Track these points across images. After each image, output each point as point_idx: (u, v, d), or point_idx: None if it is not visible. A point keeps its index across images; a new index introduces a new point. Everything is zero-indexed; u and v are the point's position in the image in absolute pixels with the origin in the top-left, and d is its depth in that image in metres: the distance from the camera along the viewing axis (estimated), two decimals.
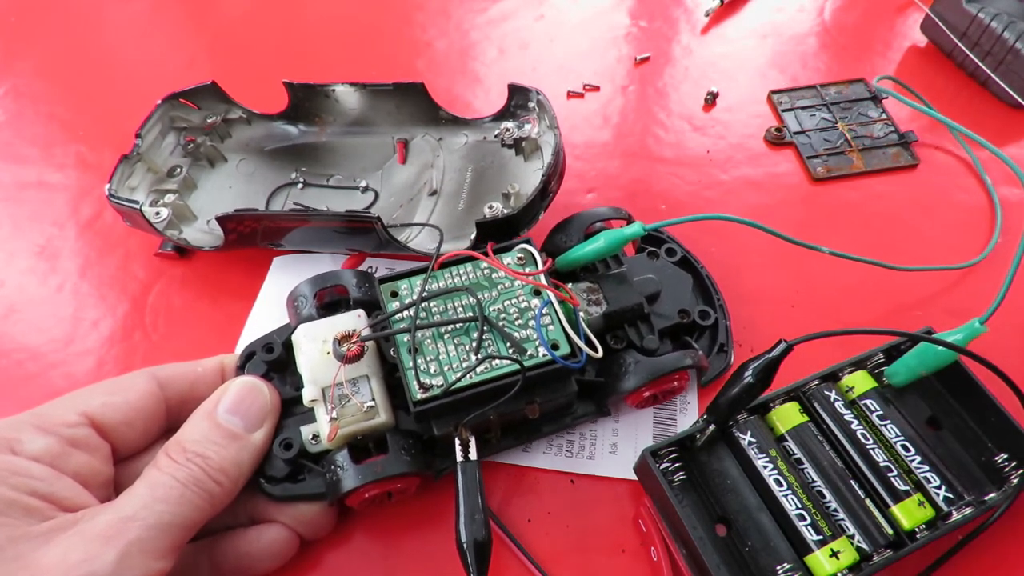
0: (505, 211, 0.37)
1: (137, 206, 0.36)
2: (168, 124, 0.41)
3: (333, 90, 0.41)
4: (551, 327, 0.30)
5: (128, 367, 0.36)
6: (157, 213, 0.38)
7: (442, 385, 0.28)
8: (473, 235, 0.35)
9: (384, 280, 0.31)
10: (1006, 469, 0.29)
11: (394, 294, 0.31)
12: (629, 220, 0.35)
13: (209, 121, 0.42)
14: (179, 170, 0.41)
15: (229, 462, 0.26)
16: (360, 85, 0.41)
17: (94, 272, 0.41)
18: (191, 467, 0.25)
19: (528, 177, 0.39)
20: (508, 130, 0.40)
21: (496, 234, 0.34)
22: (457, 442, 0.28)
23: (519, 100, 0.40)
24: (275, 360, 0.30)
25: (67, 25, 0.56)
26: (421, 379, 0.28)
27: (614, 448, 0.33)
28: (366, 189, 0.41)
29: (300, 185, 0.42)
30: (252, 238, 0.37)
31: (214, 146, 0.42)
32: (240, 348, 0.36)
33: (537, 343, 0.29)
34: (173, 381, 0.29)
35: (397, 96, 0.41)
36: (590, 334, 0.30)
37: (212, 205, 0.40)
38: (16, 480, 0.23)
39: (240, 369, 0.31)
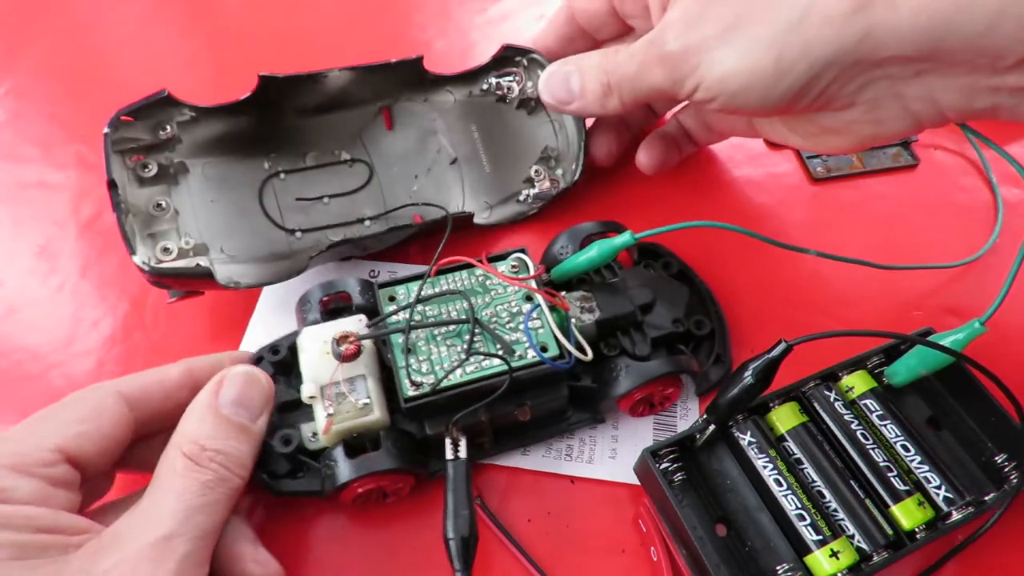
0: (558, 170, 0.40)
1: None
2: (120, 157, 0.35)
3: (325, 76, 0.38)
4: (541, 330, 0.31)
5: (128, 367, 0.36)
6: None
7: (432, 383, 0.29)
8: (523, 196, 0.40)
9: (383, 285, 0.32)
10: (1006, 469, 0.29)
11: (392, 298, 0.32)
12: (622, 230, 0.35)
13: (164, 135, 0.35)
14: (165, 204, 0.35)
15: (246, 455, 0.26)
16: (357, 68, 0.38)
17: (94, 272, 0.41)
18: (214, 467, 0.25)
19: (538, 132, 0.41)
20: (504, 85, 0.41)
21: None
22: (447, 440, 0.29)
23: (508, 55, 0.41)
24: (280, 361, 0.31)
25: (67, 25, 0.56)
26: (413, 377, 0.29)
27: (613, 453, 0.33)
28: (353, 162, 0.40)
29: (281, 176, 0.39)
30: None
31: (182, 162, 0.36)
32: (243, 347, 0.37)
33: (526, 345, 0.30)
34: (143, 401, 0.28)
35: (392, 69, 0.39)
36: (581, 339, 0.31)
37: (209, 228, 0.36)
38: (19, 523, 0.22)
39: None
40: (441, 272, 0.32)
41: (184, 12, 0.58)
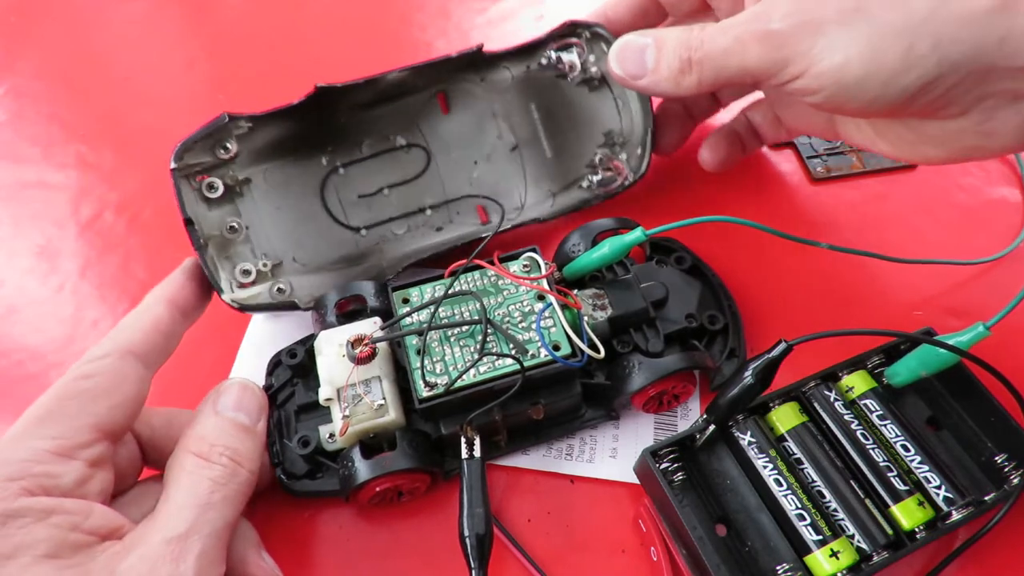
0: (622, 155, 0.39)
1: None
2: (188, 184, 0.34)
3: (383, 79, 0.37)
4: (553, 329, 0.31)
5: None
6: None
7: (446, 384, 0.29)
8: (586, 182, 0.39)
9: (397, 288, 0.32)
10: (1006, 469, 0.29)
11: (405, 301, 0.32)
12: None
13: (227, 155, 0.35)
14: (236, 225, 0.35)
15: (252, 451, 0.26)
16: (417, 65, 0.37)
17: (94, 272, 0.41)
18: (224, 461, 0.25)
19: (601, 110, 0.40)
20: (571, 65, 0.39)
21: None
22: (462, 440, 0.29)
23: (568, 30, 0.39)
24: (298, 364, 0.32)
25: (67, 25, 0.56)
26: (427, 378, 0.29)
27: (614, 452, 0.33)
28: (410, 147, 0.39)
29: (340, 170, 0.38)
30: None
31: (234, 175, 0.36)
32: (243, 348, 0.37)
33: (539, 344, 0.30)
34: (152, 354, 0.27)
35: (449, 61, 0.38)
36: (593, 337, 0.31)
37: (279, 237, 0.36)
38: (57, 519, 0.22)
39: (269, 376, 0.33)
40: (452, 274, 0.32)
41: (184, 12, 0.58)
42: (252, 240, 0.36)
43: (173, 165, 0.33)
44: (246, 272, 0.35)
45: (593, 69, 0.39)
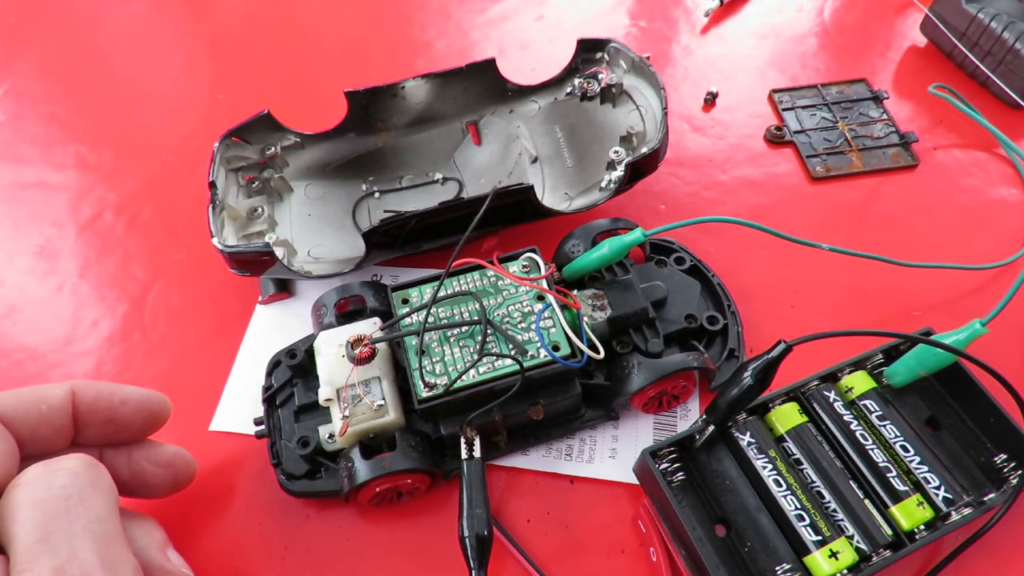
0: (643, 149, 0.38)
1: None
2: (226, 166, 0.38)
3: (402, 87, 0.40)
4: (552, 330, 0.31)
5: (127, 367, 0.37)
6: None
7: (446, 384, 0.29)
8: (607, 180, 0.38)
9: (396, 288, 0.32)
10: (1005, 470, 0.29)
11: (405, 301, 0.32)
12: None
13: (268, 153, 0.39)
14: (260, 210, 0.38)
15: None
16: (430, 76, 0.40)
17: (94, 272, 0.41)
18: None
19: (623, 121, 0.40)
20: (588, 84, 0.41)
21: (645, 169, 0.37)
22: (462, 440, 0.29)
23: (585, 55, 0.41)
24: (297, 365, 0.32)
25: (67, 25, 0.56)
26: (426, 379, 0.29)
27: (613, 452, 0.33)
28: (445, 180, 0.41)
29: (376, 195, 0.41)
30: (392, 245, 0.36)
31: (281, 177, 0.39)
32: (243, 348, 0.37)
33: (538, 344, 0.30)
34: (15, 422, 0.24)
35: (466, 78, 0.41)
36: (593, 337, 0.31)
37: (302, 237, 0.38)
38: None
39: (269, 376, 0.33)
40: (453, 274, 0.32)
41: (184, 12, 0.58)
42: (276, 229, 0.38)
43: (216, 145, 0.37)
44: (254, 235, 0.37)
45: (613, 80, 0.40)
